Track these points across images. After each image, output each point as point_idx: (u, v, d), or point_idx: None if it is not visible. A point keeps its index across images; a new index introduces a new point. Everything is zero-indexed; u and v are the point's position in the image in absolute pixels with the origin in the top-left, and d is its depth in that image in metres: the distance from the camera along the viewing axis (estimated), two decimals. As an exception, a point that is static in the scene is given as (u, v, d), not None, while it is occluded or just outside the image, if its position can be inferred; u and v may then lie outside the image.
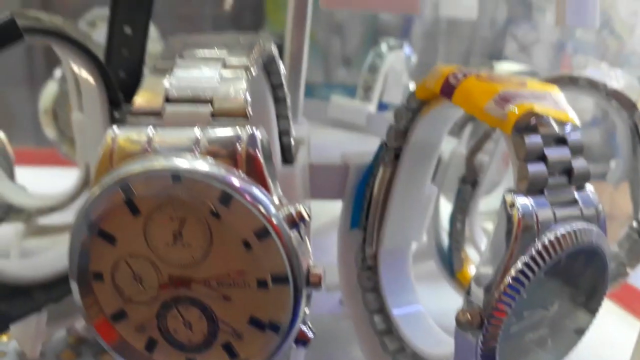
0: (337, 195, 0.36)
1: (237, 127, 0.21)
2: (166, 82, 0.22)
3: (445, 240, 0.44)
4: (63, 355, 0.39)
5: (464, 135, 0.47)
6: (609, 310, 0.48)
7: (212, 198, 0.20)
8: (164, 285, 0.22)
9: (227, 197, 0.20)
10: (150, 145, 0.21)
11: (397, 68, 0.64)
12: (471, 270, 0.44)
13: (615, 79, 0.39)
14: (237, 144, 0.21)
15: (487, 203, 0.51)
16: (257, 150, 0.21)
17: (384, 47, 0.63)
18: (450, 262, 0.43)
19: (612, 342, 0.33)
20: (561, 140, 0.26)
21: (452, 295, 0.44)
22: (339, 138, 0.56)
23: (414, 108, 0.31)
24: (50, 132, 0.59)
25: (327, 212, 0.44)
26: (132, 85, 0.36)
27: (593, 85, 0.38)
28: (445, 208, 0.45)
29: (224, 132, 0.21)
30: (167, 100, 0.22)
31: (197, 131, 0.21)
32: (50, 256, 0.36)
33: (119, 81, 0.35)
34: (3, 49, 0.28)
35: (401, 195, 0.33)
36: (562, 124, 0.26)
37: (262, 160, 0.21)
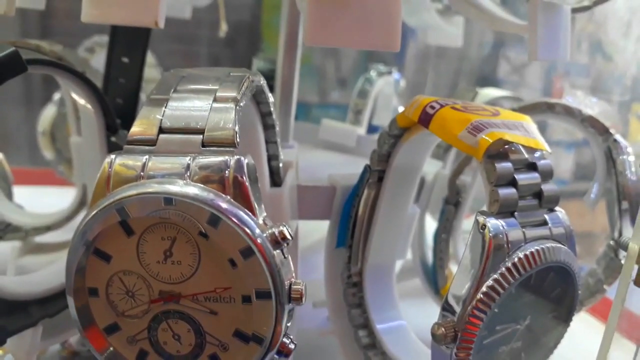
0: (324, 215, 0.38)
1: (226, 155, 0.23)
2: (160, 113, 0.24)
3: (430, 258, 0.46)
4: (58, 369, 0.40)
5: (449, 158, 0.49)
6: (588, 324, 0.50)
7: (201, 220, 0.22)
8: (154, 300, 0.23)
9: (215, 219, 0.22)
10: (144, 171, 0.22)
11: (386, 92, 0.66)
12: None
13: (590, 106, 0.41)
14: (225, 171, 0.22)
15: (471, 223, 0.53)
16: (243, 176, 0.22)
17: (373, 73, 0.65)
18: (434, 279, 0.45)
19: (591, 354, 0.34)
20: (531, 166, 0.28)
21: (436, 312, 0.46)
22: (329, 160, 0.58)
23: (396, 134, 0.33)
24: (48, 153, 0.61)
25: (317, 230, 0.46)
26: (128, 111, 0.38)
27: (569, 112, 0.40)
28: (431, 227, 0.47)
29: (213, 159, 0.23)
30: (161, 129, 0.24)
31: (188, 159, 0.23)
32: (46, 273, 0.37)
33: (116, 107, 0.37)
34: (6, 80, 0.29)
35: (385, 215, 0.35)
36: (532, 150, 0.28)
37: (248, 185, 0.22)
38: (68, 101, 0.47)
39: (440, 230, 0.45)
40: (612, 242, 0.41)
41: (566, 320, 0.29)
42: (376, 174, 0.35)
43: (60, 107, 0.60)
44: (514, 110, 0.42)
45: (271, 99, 0.31)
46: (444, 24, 0.59)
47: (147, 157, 0.23)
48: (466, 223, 0.48)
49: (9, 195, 0.52)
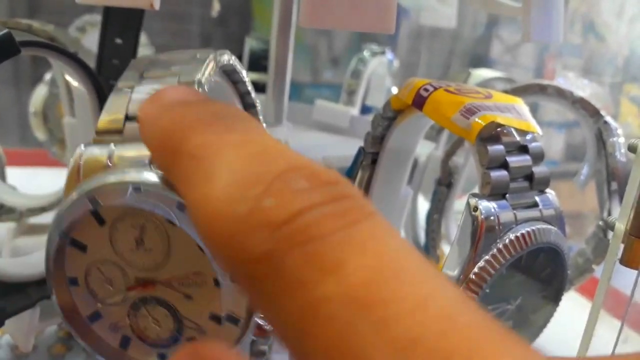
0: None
1: None
2: (126, 102, 0.24)
3: (422, 238, 0.46)
4: (54, 348, 0.40)
5: (441, 139, 0.49)
6: (577, 302, 0.51)
7: (169, 207, 0.22)
8: (131, 287, 0.24)
9: (182, 205, 0.22)
10: (111, 161, 0.22)
11: (379, 73, 0.66)
12: (446, 267, 0.46)
13: (582, 88, 0.41)
14: None
15: (463, 203, 0.54)
16: None
17: (366, 53, 0.65)
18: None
19: (579, 331, 0.35)
20: (523, 149, 0.28)
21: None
22: (322, 140, 0.58)
23: (390, 117, 0.33)
24: (40, 133, 0.60)
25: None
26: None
27: (560, 94, 0.41)
28: (423, 207, 0.47)
29: None
30: (127, 117, 0.24)
31: None
32: (42, 254, 0.38)
33: (110, 89, 0.37)
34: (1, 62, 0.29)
35: (378, 197, 0.35)
36: (524, 133, 0.28)
37: None
38: (61, 82, 0.46)
39: (432, 211, 0.45)
40: (601, 223, 0.42)
41: (555, 299, 0.30)
42: (370, 156, 0.35)
43: (51, 88, 0.59)
44: (506, 92, 0.42)
45: (246, 77, 0.31)
46: (437, 4, 0.59)
47: (114, 146, 0.23)
48: (458, 204, 0.49)
49: (2, 177, 0.52)
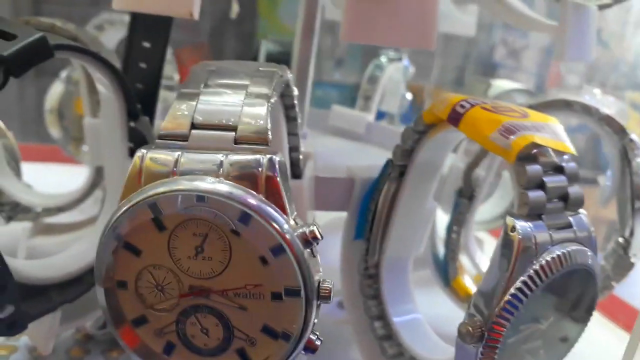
0: (341, 206, 0.38)
1: (258, 152, 0.23)
2: (192, 108, 0.24)
3: (441, 250, 0.46)
4: (73, 351, 0.40)
5: (459, 150, 0.49)
6: (595, 320, 0.51)
7: (232, 217, 0.22)
8: (184, 294, 0.24)
9: (246, 217, 0.22)
10: (176, 167, 0.22)
11: (395, 78, 0.66)
12: (465, 279, 0.46)
13: (607, 105, 0.41)
14: (258, 169, 0.22)
15: (480, 213, 0.54)
16: (276, 174, 0.22)
17: (383, 59, 0.65)
18: (445, 271, 0.46)
19: (595, 349, 0.35)
20: (559, 169, 0.28)
21: (445, 302, 0.46)
22: (340, 147, 0.58)
23: (421, 130, 0.33)
24: (55, 131, 0.60)
25: (325, 216, 0.46)
26: (149, 97, 0.38)
27: (586, 110, 0.40)
28: (441, 218, 0.47)
29: (245, 157, 0.23)
30: (193, 125, 0.24)
31: (221, 156, 0.23)
32: (65, 257, 0.38)
33: (137, 93, 0.37)
34: (32, 67, 0.29)
35: (404, 210, 0.35)
36: (560, 153, 0.28)
37: (280, 183, 0.23)
38: (82, 81, 0.46)
39: (452, 223, 0.45)
40: (621, 240, 0.42)
41: (584, 320, 0.30)
42: (398, 169, 0.35)
43: (67, 85, 0.59)
44: (531, 107, 0.42)
45: (295, 92, 0.31)
46: (457, 12, 0.58)
47: (179, 153, 0.23)
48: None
49: (18, 174, 0.52)
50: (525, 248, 0.26)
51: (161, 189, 0.22)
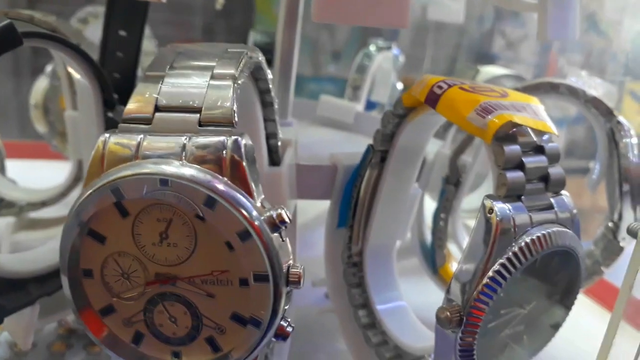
0: (324, 195, 0.37)
1: (223, 134, 0.22)
2: (156, 90, 0.23)
3: (428, 237, 0.46)
4: (54, 346, 0.39)
5: (448, 137, 0.49)
6: (584, 305, 0.50)
7: (197, 201, 0.21)
8: (150, 282, 0.23)
9: (211, 201, 0.21)
10: (139, 151, 0.22)
11: (385, 68, 0.65)
12: (453, 266, 0.45)
13: (594, 87, 0.40)
14: (223, 151, 0.22)
15: (469, 201, 0.53)
16: (241, 157, 0.22)
17: (372, 48, 0.64)
18: (432, 258, 0.45)
19: (586, 335, 0.34)
20: (539, 149, 0.27)
21: (433, 290, 0.46)
22: (327, 137, 0.57)
23: (401, 114, 0.32)
24: (40, 126, 0.60)
25: (314, 208, 0.45)
26: (126, 86, 0.37)
27: (573, 93, 0.40)
28: (429, 206, 0.47)
29: (210, 139, 0.22)
30: (157, 108, 0.23)
31: (184, 138, 0.22)
32: (44, 250, 0.37)
33: (113, 82, 0.36)
34: (1, 54, 0.28)
35: (387, 196, 0.35)
36: (540, 133, 0.27)
37: (245, 166, 0.22)
38: (62, 74, 0.46)
39: (439, 210, 0.44)
40: (610, 224, 0.41)
41: (568, 303, 0.29)
42: (379, 154, 0.34)
43: (52, 80, 0.59)
44: (517, 90, 0.41)
45: (270, 75, 0.31)
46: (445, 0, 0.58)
47: (142, 136, 0.22)
48: (464, 202, 0.48)
49: (2, 170, 0.51)
50: (504, 230, 0.25)
51: (123, 173, 0.21)
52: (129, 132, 0.22)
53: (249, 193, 0.22)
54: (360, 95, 0.62)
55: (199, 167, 0.22)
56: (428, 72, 0.96)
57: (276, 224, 0.22)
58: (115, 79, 0.37)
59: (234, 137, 0.22)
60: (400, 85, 0.69)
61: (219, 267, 0.22)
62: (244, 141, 0.22)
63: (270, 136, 0.34)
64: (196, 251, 0.22)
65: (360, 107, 0.62)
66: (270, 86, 0.31)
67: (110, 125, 0.36)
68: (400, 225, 0.36)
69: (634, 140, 0.39)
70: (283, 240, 0.23)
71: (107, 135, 0.22)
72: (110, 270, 0.23)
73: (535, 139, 0.27)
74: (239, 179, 0.22)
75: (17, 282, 0.34)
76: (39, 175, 0.54)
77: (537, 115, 0.28)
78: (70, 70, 0.35)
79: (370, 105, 0.67)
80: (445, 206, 0.44)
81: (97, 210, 0.22)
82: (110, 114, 0.36)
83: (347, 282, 0.36)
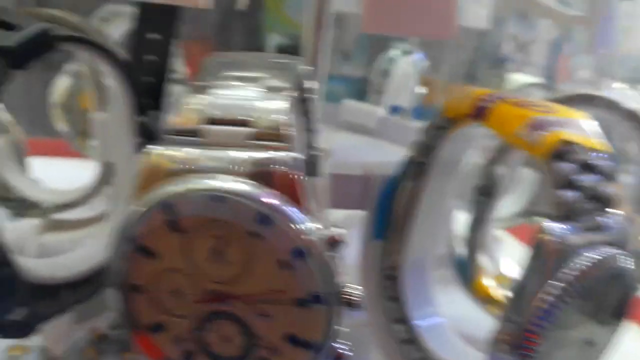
0: (357, 205, 0.37)
1: (277, 149, 0.22)
2: (205, 102, 0.23)
3: (460, 249, 0.45)
4: (86, 352, 0.39)
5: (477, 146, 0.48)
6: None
7: (252, 218, 0.21)
8: (202, 300, 0.22)
9: (266, 218, 0.21)
10: (190, 165, 0.21)
11: (407, 72, 0.65)
12: (485, 279, 0.45)
13: (629, 99, 0.40)
14: (276, 166, 0.21)
15: (497, 210, 0.52)
16: (296, 173, 0.21)
17: (395, 52, 0.63)
18: (465, 271, 0.44)
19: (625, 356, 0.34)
20: (592, 167, 0.27)
21: (462, 301, 0.45)
22: (351, 142, 0.57)
23: (442, 126, 0.32)
24: (61, 125, 0.59)
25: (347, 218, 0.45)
26: (157, 90, 0.36)
27: (609, 105, 0.39)
28: (459, 216, 0.46)
29: (263, 154, 0.21)
30: (206, 120, 0.22)
31: (236, 152, 0.21)
32: (76, 256, 0.37)
33: (144, 86, 0.35)
34: (34, 59, 0.28)
35: (425, 209, 0.34)
36: (592, 150, 0.27)
37: (300, 182, 0.21)
38: (88, 75, 0.45)
39: (473, 221, 0.44)
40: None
41: (615, 324, 0.29)
42: (418, 166, 0.34)
43: (73, 78, 0.58)
44: (552, 101, 0.41)
45: (311, 85, 0.30)
46: (471, 4, 0.57)
47: (192, 149, 0.22)
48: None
49: (25, 170, 0.51)
50: (559, 251, 0.25)
51: (175, 189, 0.21)
52: (178, 145, 0.22)
53: (304, 210, 0.21)
54: (382, 100, 0.62)
55: (253, 182, 0.21)
56: (447, 75, 0.96)
57: (332, 243, 0.21)
58: (146, 83, 0.37)
59: (288, 153, 0.21)
60: (422, 90, 0.68)
61: (273, 286, 0.22)
62: (297, 156, 0.22)
63: (308, 146, 0.33)
64: (250, 269, 0.22)
65: (383, 111, 0.61)
66: (311, 96, 0.31)
67: (142, 130, 0.35)
68: (438, 238, 0.36)
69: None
70: (338, 260, 0.22)
71: (153, 147, 0.22)
72: (160, 287, 0.22)
73: (588, 157, 0.27)
74: (293, 195, 0.21)
75: (50, 289, 0.34)
76: (59, 174, 0.53)
77: (589, 131, 0.28)
78: (103, 74, 0.34)
79: (392, 109, 0.67)
80: (479, 218, 0.43)
81: (148, 226, 0.21)
82: (141, 119, 0.35)
83: (382, 296, 0.35)
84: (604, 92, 0.40)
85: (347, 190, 0.36)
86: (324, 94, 0.64)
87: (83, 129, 0.57)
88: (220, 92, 0.23)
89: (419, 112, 0.70)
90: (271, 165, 0.21)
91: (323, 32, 0.48)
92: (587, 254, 0.25)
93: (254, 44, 1.12)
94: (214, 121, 0.22)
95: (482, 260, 0.45)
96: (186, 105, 0.23)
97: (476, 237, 0.44)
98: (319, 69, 0.49)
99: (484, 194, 0.43)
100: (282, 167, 0.21)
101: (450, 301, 0.42)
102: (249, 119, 0.22)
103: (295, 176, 0.21)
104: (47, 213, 0.47)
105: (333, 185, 0.37)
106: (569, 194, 0.26)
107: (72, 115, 0.58)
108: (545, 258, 0.25)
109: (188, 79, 0.56)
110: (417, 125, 0.60)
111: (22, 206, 0.47)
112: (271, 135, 0.22)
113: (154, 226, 0.21)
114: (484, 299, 0.43)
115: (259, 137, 0.22)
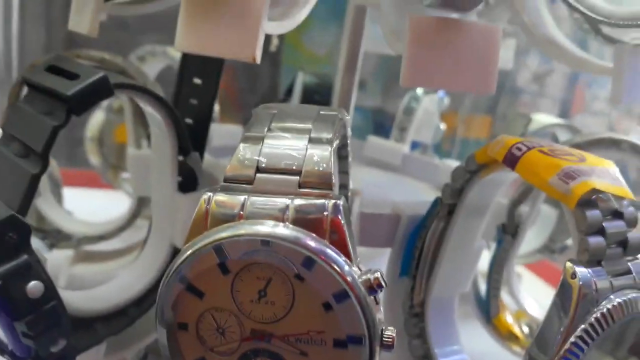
0: (385, 243, 0.38)
1: (323, 197, 0.23)
2: (257, 152, 0.24)
3: (482, 285, 0.46)
4: (115, 383, 0.40)
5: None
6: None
7: (296, 262, 0.22)
8: (245, 338, 0.23)
9: (310, 262, 0.22)
10: (242, 211, 0.23)
11: (430, 110, 0.66)
12: (507, 316, 0.45)
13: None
14: (323, 213, 0.22)
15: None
16: (340, 220, 0.22)
17: (419, 90, 0.65)
18: (487, 307, 0.45)
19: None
20: (618, 214, 0.28)
21: (482, 336, 0.46)
22: (376, 179, 0.58)
23: (473, 170, 0.33)
24: (94, 158, 0.61)
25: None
26: (199, 132, 0.38)
27: (636, 149, 0.40)
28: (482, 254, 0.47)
29: (310, 201, 0.23)
30: (258, 169, 0.24)
31: (286, 199, 0.23)
32: (110, 289, 0.38)
33: (187, 128, 0.37)
34: (93, 107, 0.30)
35: (452, 248, 0.35)
36: (619, 199, 0.28)
37: (344, 228, 0.22)
38: (128, 112, 0.47)
39: (495, 259, 0.45)
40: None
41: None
42: (447, 207, 0.35)
43: (108, 113, 0.60)
44: (578, 145, 0.42)
45: (349, 132, 0.31)
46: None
47: (245, 196, 0.23)
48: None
49: (59, 200, 0.52)
50: (586, 295, 0.26)
51: (226, 234, 0.22)
52: (232, 191, 0.23)
53: (347, 255, 0.22)
54: (406, 137, 0.63)
55: (299, 228, 0.22)
56: (468, 110, 0.97)
57: (373, 287, 0.22)
58: (188, 124, 0.38)
59: (333, 200, 0.23)
60: (443, 126, 0.69)
61: (314, 327, 0.23)
62: (342, 203, 0.23)
63: (342, 187, 0.34)
64: (293, 310, 0.23)
65: (406, 148, 0.62)
66: (348, 141, 0.32)
67: (183, 169, 0.37)
68: (463, 278, 0.37)
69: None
70: (378, 303, 0.23)
71: (210, 194, 0.23)
72: (206, 325, 0.24)
73: (615, 204, 0.28)
74: (337, 240, 0.22)
75: (85, 321, 0.35)
76: (92, 205, 0.55)
77: (615, 180, 0.29)
78: (147, 116, 0.36)
79: (413, 145, 0.68)
80: (502, 256, 0.44)
81: (199, 268, 0.23)
82: (182, 158, 0.37)
83: (407, 333, 0.36)
84: (629, 137, 0.41)
85: (376, 228, 0.37)
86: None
87: (114, 162, 0.59)
88: (271, 142, 0.25)
89: (439, 147, 0.71)
90: (316, 212, 0.23)
91: (354, 73, 0.50)
92: (612, 297, 0.26)
93: (276, 78, 1.13)
94: (265, 170, 0.24)
95: (504, 297, 0.46)
96: (240, 155, 0.24)
97: (499, 275, 0.45)
98: (349, 110, 0.51)
99: (508, 233, 0.44)
100: (326, 213, 0.23)
101: (472, 337, 0.43)
102: (297, 168, 0.24)
103: (338, 221, 0.22)
104: (80, 245, 0.49)
105: (362, 223, 0.38)
106: (597, 240, 0.27)
107: (105, 149, 0.60)
108: (572, 301, 0.26)
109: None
110: (440, 163, 0.61)
111: (56, 237, 0.49)
112: (316, 183, 0.23)
113: (204, 268, 0.23)
114: (505, 336, 0.44)
115: (306, 185, 0.23)
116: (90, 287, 0.38)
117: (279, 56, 1.16)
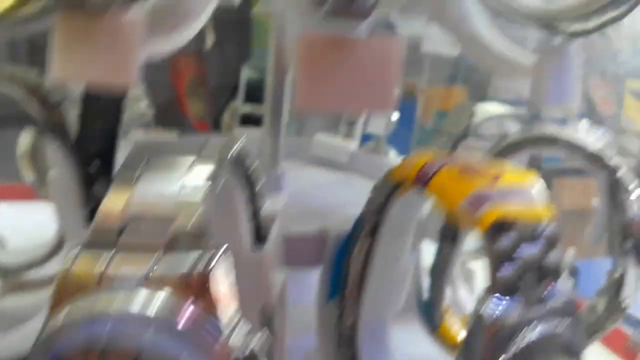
0: (313, 263, 0.36)
1: (195, 249, 0.21)
2: (127, 196, 0.22)
3: (425, 293, 0.44)
4: None
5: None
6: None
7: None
8: None
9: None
10: (102, 278, 0.20)
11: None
12: (451, 323, 0.44)
13: (595, 139, 0.39)
14: (193, 267, 0.20)
15: (471, 242, 0.51)
16: (212, 275, 0.20)
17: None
18: (430, 316, 0.43)
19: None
20: (534, 238, 0.26)
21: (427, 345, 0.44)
22: (320, 179, 0.56)
23: (391, 187, 0.31)
24: (28, 175, 0.58)
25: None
26: (107, 156, 0.36)
27: (573, 147, 0.38)
28: (426, 260, 0.45)
29: (181, 255, 0.20)
30: (126, 218, 0.21)
31: (153, 256, 0.20)
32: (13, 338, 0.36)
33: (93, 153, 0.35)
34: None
35: (379, 268, 0.33)
36: (535, 220, 0.26)
37: (216, 286, 0.20)
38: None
39: (436, 266, 0.43)
40: (615, 277, 0.40)
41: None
42: (371, 225, 0.33)
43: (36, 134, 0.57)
44: (516, 143, 0.40)
45: (252, 157, 0.29)
46: (440, 32, 0.56)
47: (106, 254, 0.20)
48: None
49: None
50: (499, 326, 0.24)
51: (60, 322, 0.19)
52: (95, 248, 0.21)
53: (219, 317, 0.20)
54: (354, 131, 0.61)
55: (165, 293, 0.20)
56: (425, 104, 0.95)
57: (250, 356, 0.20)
58: (93, 150, 0.36)
59: (206, 253, 0.21)
60: (396, 115, 0.67)
61: None
62: (217, 256, 0.21)
63: (254, 214, 0.32)
64: None
65: (354, 145, 0.60)
66: (254, 165, 0.30)
67: (92, 200, 0.34)
68: (393, 297, 0.35)
69: (636, 195, 0.38)
70: None
71: (76, 250, 0.21)
72: None
73: (529, 228, 0.26)
74: (209, 301, 0.20)
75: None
76: (31, 219, 0.52)
77: (532, 199, 0.27)
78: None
79: (365, 138, 0.66)
80: (442, 262, 0.43)
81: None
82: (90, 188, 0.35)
83: (340, 358, 0.35)
84: (567, 133, 0.39)
85: (302, 249, 0.36)
86: (294, 129, 0.64)
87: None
88: (143, 186, 0.23)
89: (395, 136, 0.68)
90: (189, 269, 0.20)
91: (284, 64, 0.47)
92: (528, 327, 0.25)
93: (244, 57, 1.09)
94: (133, 219, 0.22)
95: (449, 300, 0.44)
96: (109, 201, 0.22)
97: (441, 281, 0.43)
98: (282, 110, 0.49)
99: (448, 238, 0.42)
100: (201, 267, 0.20)
101: (409, 339, 0.41)
102: (168, 215, 0.22)
103: (213, 280, 0.20)
104: (8, 275, 0.47)
105: (288, 244, 0.36)
106: (510, 269, 0.25)
107: (38, 164, 0.57)
108: (484, 334, 0.24)
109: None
110: (389, 158, 0.59)
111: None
112: (192, 232, 0.21)
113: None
114: (450, 345, 0.42)
115: (178, 235, 0.21)
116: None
117: (241, 35, 1.13)
